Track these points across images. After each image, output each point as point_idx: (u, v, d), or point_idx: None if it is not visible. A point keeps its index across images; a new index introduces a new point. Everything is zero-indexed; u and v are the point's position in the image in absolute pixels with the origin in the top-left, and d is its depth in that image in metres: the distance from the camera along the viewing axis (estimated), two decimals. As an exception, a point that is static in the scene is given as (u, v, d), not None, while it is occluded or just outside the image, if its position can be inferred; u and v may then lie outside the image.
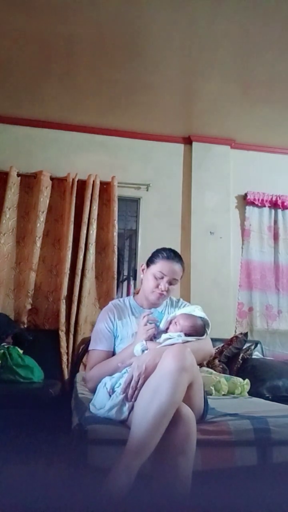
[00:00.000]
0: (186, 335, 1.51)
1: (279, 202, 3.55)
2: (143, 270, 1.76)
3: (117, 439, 1.20)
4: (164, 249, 1.73)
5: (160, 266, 1.66)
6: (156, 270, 1.66)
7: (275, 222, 3.58)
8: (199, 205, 3.47)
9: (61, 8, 2.22)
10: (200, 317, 1.58)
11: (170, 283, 1.66)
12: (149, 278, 1.68)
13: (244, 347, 2.79)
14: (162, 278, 1.65)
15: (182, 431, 1.15)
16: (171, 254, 1.70)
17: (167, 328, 1.57)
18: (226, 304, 3.32)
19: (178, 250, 1.82)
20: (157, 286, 1.65)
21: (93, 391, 1.55)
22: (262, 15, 2.23)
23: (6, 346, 2.38)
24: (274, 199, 3.56)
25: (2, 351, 2.29)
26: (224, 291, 3.34)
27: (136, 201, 3.49)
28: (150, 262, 1.73)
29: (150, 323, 1.56)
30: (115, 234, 3.14)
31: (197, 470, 1.19)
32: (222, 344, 2.81)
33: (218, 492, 1.24)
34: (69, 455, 1.29)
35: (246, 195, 3.56)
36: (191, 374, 1.27)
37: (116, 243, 3.13)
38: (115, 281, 3.08)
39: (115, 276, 3.08)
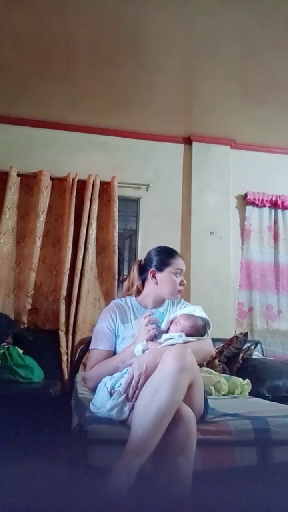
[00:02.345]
0: (187, 335, 1.51)
1: (279, 202, 3.55)
2: (154, 276, 1.76)
3: (117, 439, 1.20)
4: (162, 250, 1.83)
5: (176, 264, 1.76)
6: (174, 269, 1.75)
7: (275, 222, 3.58)
8: (199, 205, 3.47)
9: (61, 8, 2.22)
10: (201, 317, 1.58)
11: (183, 276, 1.79)
12: (170, 279, 1.74)
13: (244, 347, 2.79)
14: (180, 274, 1.77)
15: (182, 431, 1.15)
16: (173, 250, 1.83)
17: (168, 328, 1.58)
18: (226, 304, 3.32)
19: (178, 250, 1.86)
20: (179, 283, 1.75)
21: (93, 390, 1.55)
22: (262, 15, 2.23)
23: (6, 346, 2.37)
24: (274, 199, 3.55)
25: (2, 351, 2.29)
26: (224, 291, 3.34)
27: (136, 201, 3.49)
28: (161, 265, 1.76)
29: (151, 324, 1.56)
30: (116, 234, 3.14)
31: (197, 470, 1.19)
32: (222, 344, 2.81)
33: (218, 492, 1.24)
34: (69, 455, 1.29)
35: (246, 195, 3.56)
36: (192, 374, 1.27)
37: (116, 243, 3.13)
38: (116, 281, 3.08)
39: (116, 276, 3.08)
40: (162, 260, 1.76)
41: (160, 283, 1.75)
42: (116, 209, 3.19)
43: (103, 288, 3.12)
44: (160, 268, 1.76)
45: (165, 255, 1.77)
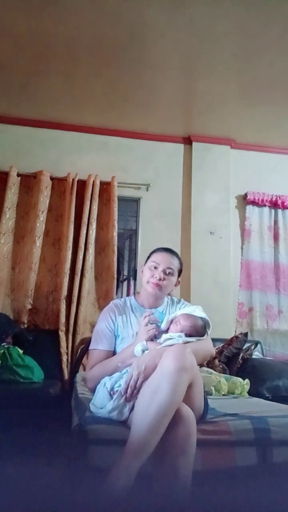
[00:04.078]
0: (186, 335, 1.51)
1: (279, 202, 3.55)
2: (142, 271, 1.78)
3: (117, 439, 1.20)
4: (158, 247, 1.81)
5: (153, 257, 1.74)
6: (150, 261, 1.73)
7: (275, 222, 3.58)
8: (199, 205, 3.47)
9: (61, 8, 2.22)
10: (201, 317, 1.58)
11: (165, 272, 1.69)
12: (145, 271, 1.74)
13: (244, 347, 2.79)
14: (157, 268, 1.70)
15: (182, 431, 1.15)
16: (165, 248, 1.78)
17: (168, 328, 1.58)
18: (226, 304, 3.32)
19: (178, 250, 1.84)
20: (152, 276, 1.69)
21: (93, 390, 1.55)
22: (262, 15, 2.23)
23: (6, 346, 2.38)
24: (274, 199, 3.55)
25: (2, 351, 2.29)
26: (224, 291, 3.34)
27: (136, 201, 3.49)
28: (146, 260, 1.79)
29: (151, 324, 1.56)
30: (115, 234, 3.14)
31: (197, 470, 1.19)
32: (222, 344, 2.81)
33: (218, 492, 1.24)
34: (69, 455, 1.29)
35: (246, 195, 3.56)
36: (191, 374, 1.27)
37: (116, 243, 3.12)
38: (115, 281, 3.08)
39: (115, 276, 3.08)
40: (148, 255, 1.79)
41: (142, 276, 1.77)
42: (116, 209, 3.19)
43: (103, 288, 3.12)
44: (145, 263, 1.79)
45: (152, 251, 1.79)
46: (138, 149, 3.52)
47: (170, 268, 1.70)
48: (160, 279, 1.67)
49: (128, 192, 3.42)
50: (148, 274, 1.71)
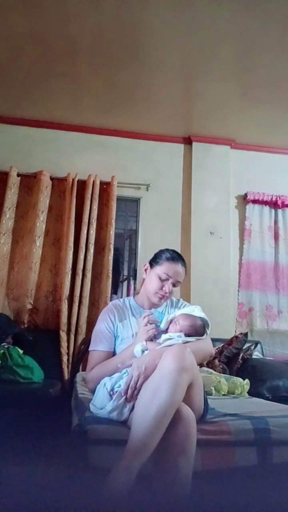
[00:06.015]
0: (186, 335, 1.51)
1: (279, 202, 3.55)
2: (146, 270, 1.77)
3: (117, 439, 1.20)
4: (168, 250, 1.75)
5: (165, 267, 1.68)
6: (161, 272, 1.67)
7: (275, 222, 3.58)
8: (199, 205, 3.47)
9: (62, 8, 2.23)
10: (200, 317, 1.58)
11: (174, 285, 1.68)
12: (153, 278, 1.69)
13: (244, 347, 2.79)
14: (167, 280, 1.67)
15: (182, 431, 1.15)
16: (176, 256, 1.72)
17: (167, 328, 1.58)
18: (226, 304, 3.32)
19: (178, 250, 1.84)
20: (161, 288, 1.66)
21: (94, 391, 1.55)
22: (262, 15, 2.24)
23: (6, 346, 2.37)
24: (274, 199, 3.55)
25: (2, 351, 2.29)
26: (224, 291, 3.34)
27: (136, 201, 3.49)
28: (154, 262, 1.74)
29: (151, 324, 1.56)
30: (112, 232, 3.13)
31: (197, 470, 1.19)
32: (222, 344, 2.81)
33: (218, 492, 1.24)
34: (69, 455, 1.29)
35: (246, 195, 3.56)
36: (191, 374, 1.27)
37: (112, 241, 3.12)
38: (110, 280, 3.05)
39: (110, 274, 3.06)
40: (157, 258, 1.74)
41: (147, 279, 1.74)
42: (114, 208, 3.19)
43: (102, 288, 3.12)
44: (151, 264, 1.75)
45: (162, 255, 1.73)
46: (138, 149, 3.52)
47: (179, 281, 1.70)
48: (169, 292, 1.67)
49: (128, 192, 3.42)
50: (156, 285, 1.67)
